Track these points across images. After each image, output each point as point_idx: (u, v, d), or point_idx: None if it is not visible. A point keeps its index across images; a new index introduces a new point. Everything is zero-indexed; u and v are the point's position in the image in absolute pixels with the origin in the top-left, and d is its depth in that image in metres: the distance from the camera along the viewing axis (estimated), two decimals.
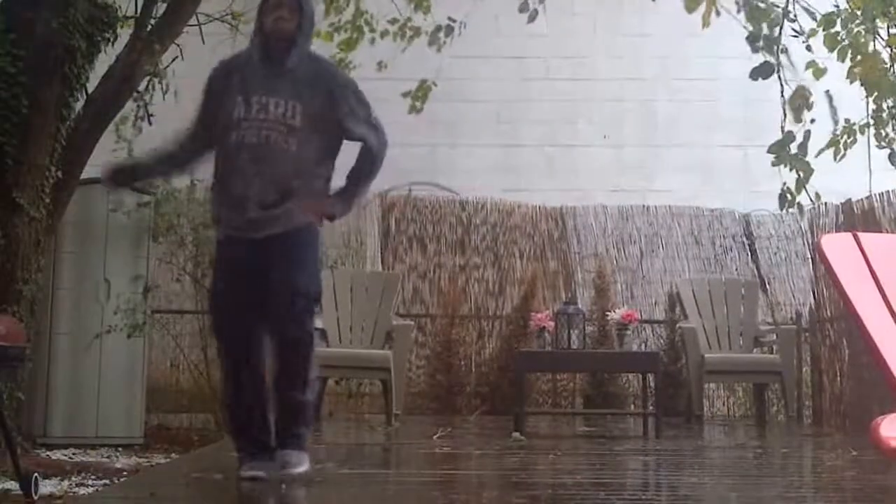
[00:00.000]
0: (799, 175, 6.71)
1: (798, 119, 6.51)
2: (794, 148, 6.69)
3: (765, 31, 6.54)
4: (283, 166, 4.15)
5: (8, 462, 4.80)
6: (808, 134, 6.63)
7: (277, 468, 4.11)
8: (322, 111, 4.21)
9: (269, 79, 4.22)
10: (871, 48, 6.51)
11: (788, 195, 6.85)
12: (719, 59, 10.81)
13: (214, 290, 4.42)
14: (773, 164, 6.74)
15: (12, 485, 4.83)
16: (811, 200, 6.84)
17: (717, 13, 6.62)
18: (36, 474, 4.69)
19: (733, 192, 10.80)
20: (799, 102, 6.42)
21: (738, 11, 6.65)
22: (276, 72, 4.23)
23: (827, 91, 6.75)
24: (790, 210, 7.29)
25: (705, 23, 6.58)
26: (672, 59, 11.05)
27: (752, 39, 6.50)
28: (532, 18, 8.23)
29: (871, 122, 6.81)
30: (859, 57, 6.54)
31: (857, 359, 8.05)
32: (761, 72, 6.52)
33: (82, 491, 5.27)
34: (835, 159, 7.04)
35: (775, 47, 6.49)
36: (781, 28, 6.53)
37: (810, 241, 9.99)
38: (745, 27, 6.61)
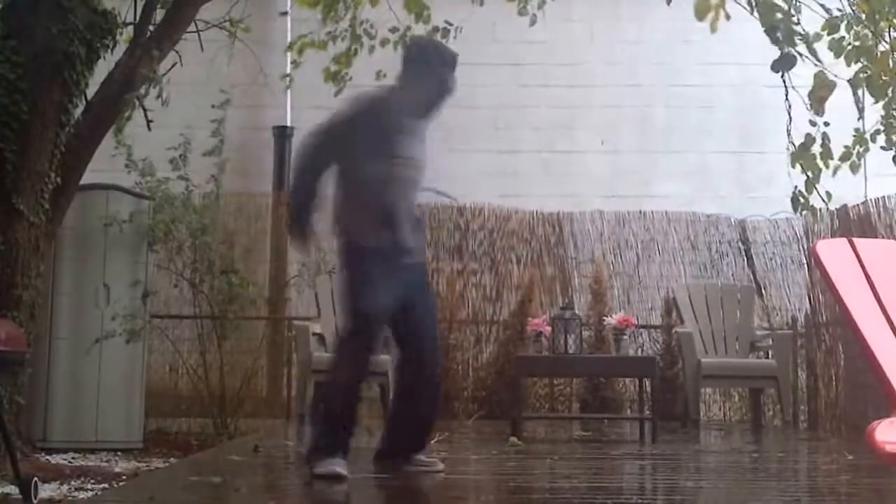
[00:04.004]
0: (808, 176, 6.64)
1: (818, 111, 6.37)
2: (814, 149, 6.61)
3: (780, 19, 6.39)
4: (414, 203, 4.91)
5: (7, 466, 4.82)
6: (826, 136, 6.56)
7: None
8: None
9: (415, 123, 4.85)
10: (878, 52, 6.45)
11: (801, 198, 6.77)
12: (715, 66, 10.86)
13: (370, 300, 4.64)
14: (802, 170, 6.66)
15: (12, 489, 4.84)
16: (823, 201, 6.77)
17: (728, 17, 6.59)
18: (35, 478, 4.70)
19: (729, 197, 10.83)
20: (822, 92, 6.28)
21: (753, 12, 6.59)
22: (419, 117, 4.88)
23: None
24: (802, 213, 7.23)
25: (713, 29, 6.54)
26: (668, 66, 11.09)
27: (769, 31, 6.36)
28: (532, 23, 8.26)
29: (882, 127, 6.75)
30: (862, 61, 6.50)
31: (852, 363, 8.08)
32: (783, 64, 6.38)
33: (81, 495, 5.28)
34: (853, 173, 7.01)
35: (795, 38, 6.36)
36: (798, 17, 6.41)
37: (806, 247, 10.02)
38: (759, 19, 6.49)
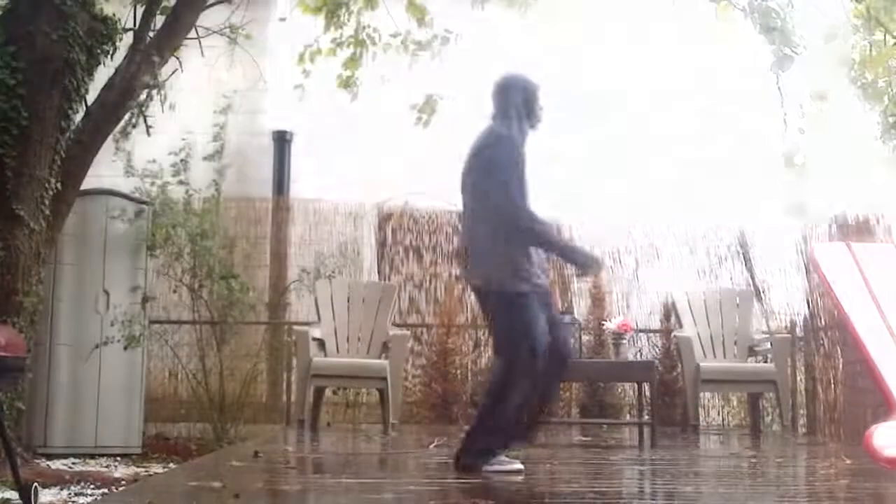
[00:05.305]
0: (806, 184, 6.67)
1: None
2: (800, 158, 6.65)
3: (778, 25, 6.43)
4: None
5: (7, 471, 4.82)
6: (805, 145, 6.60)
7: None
8: None
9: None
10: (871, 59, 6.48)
11: (798, 206, 6.79)
12: (715, 72, 10.87)
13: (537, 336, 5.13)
14: (786, 175, 6.71)
15: (12, 494, 4.84)
16: (820, 208, 6.79)
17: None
18: (35, 484, 4.70)
19: (728, 202, 10.84)
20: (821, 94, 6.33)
21: (746, 18, 6.63)
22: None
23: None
24: (801, 219, 7.26)
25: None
26: (667, 71, 11.10)
27: (767, 31, 6.40)
28: (531, 29, 8.31)
29: (880, 134, 6.77)
30: (857, 70, 6.53)
31: (850, 367, 8.09)
32: (781, 65, 6.42)
33: (81, 500, 5.29)
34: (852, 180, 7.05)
35: (792, 39, 6.40)
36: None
37: (804, 251, 10.04)
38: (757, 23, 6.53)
